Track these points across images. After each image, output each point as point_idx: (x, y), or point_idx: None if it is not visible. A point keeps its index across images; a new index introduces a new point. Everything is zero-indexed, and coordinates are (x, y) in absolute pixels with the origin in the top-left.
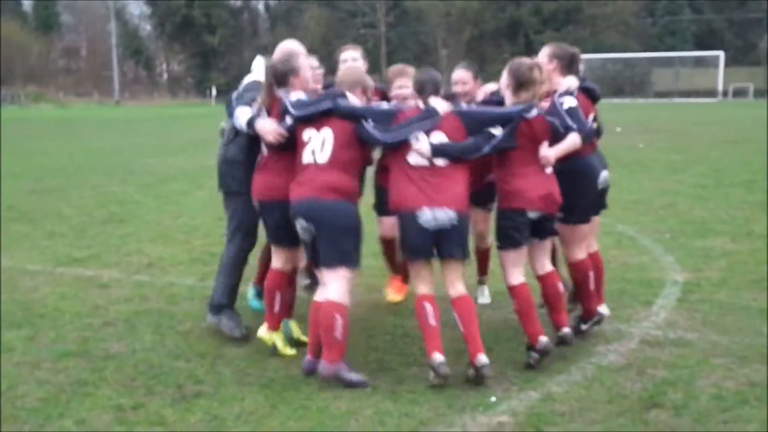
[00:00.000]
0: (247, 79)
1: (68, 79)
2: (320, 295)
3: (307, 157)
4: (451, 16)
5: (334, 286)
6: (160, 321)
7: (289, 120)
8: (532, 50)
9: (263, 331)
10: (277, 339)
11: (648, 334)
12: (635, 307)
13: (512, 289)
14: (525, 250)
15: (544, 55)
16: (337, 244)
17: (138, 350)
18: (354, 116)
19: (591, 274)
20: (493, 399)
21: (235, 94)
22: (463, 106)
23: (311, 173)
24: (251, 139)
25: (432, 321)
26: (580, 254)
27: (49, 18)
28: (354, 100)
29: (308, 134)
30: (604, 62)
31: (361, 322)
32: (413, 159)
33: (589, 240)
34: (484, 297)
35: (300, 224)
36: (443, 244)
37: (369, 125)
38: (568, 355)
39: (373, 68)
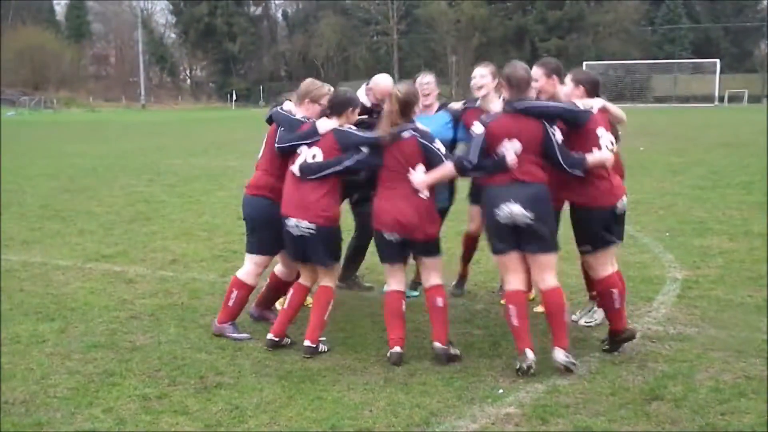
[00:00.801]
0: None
1: (98, 84)
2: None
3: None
4: (460, 23)
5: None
6: (184, 315)
7: None
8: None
9: None
10: None
11: (649, 329)
12: (636, 303)
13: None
14: (399, 266)
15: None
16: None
17: (162, 342)
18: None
19: (514, 310)
20: (501, 391)
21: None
22: (347, 127)
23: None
24: None
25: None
26: (512, 285)
27: (80, 27)
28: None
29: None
30: (606, 68)
31: (373, 317)
32: (295, 168)
33: (540, 275)
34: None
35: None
36: (306, 251)
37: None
38: (573, 351)
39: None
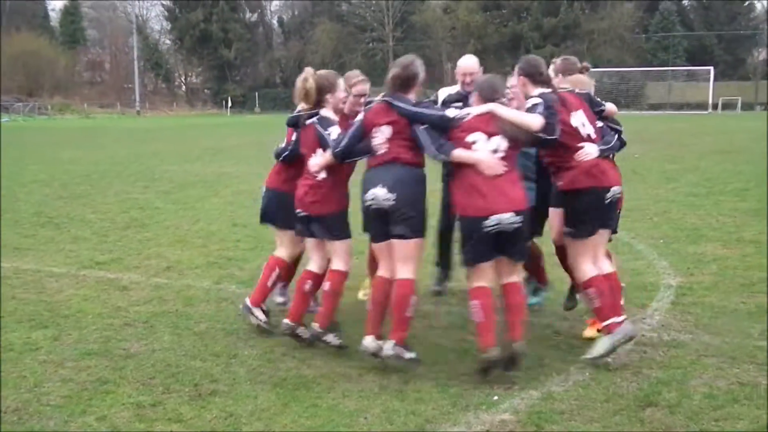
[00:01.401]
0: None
1: (92, 90)
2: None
3: None
4: (456, 30)
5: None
6: (178, 322)
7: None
8: None
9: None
10: None
11: (643, 335)
12: (631, 309)
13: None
14: (311, 241)
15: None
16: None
17: (156, 350)
18: None
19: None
20: (496, 398)
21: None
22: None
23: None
24: None
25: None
26: (382, 272)
27: (75, 33)
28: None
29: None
30: (601, 75)
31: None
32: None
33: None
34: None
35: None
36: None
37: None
38: (568, 357)
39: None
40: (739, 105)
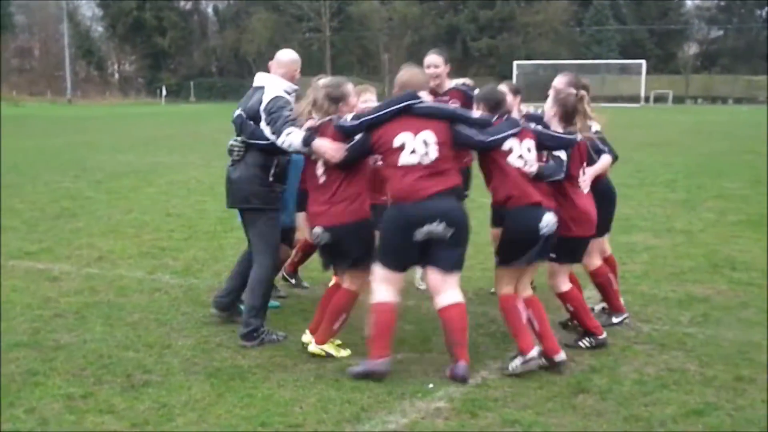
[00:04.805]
0: (269, 96)
1: (21, 78)
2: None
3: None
4: (393, 21)
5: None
6: (110, 312)
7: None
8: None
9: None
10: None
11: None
12: None
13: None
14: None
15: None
16: (461, 244)
17: (88, 341)
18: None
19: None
20: (431, 386)
21: (259, 113)
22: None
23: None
24: (267, 155)
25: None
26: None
27: (2, 18)
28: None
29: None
30: (536, 68)
31: (305, 314)
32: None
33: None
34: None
35: (432, 227)
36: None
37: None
38: (502, 345)
39: (318, 71)
40: (671, 98)
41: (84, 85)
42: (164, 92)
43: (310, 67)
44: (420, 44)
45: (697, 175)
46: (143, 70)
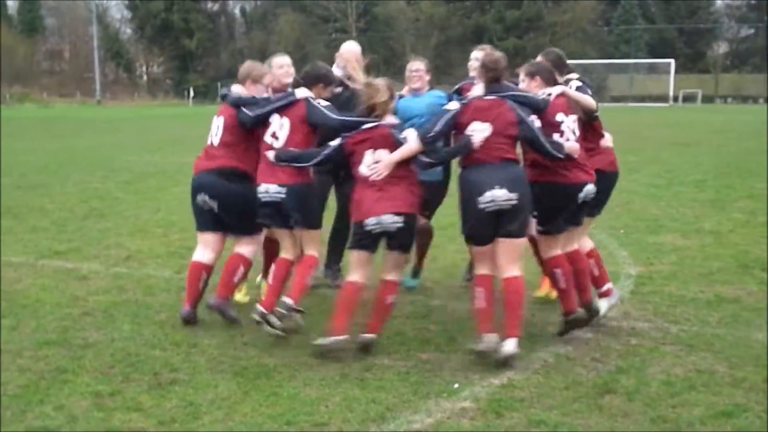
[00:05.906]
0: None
1: (52, 80)
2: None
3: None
4: (419, 21)
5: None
6: (138, 311)
7: None
8: None
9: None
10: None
11: (603, 324)
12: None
13: None
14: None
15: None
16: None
17: (116, 339)
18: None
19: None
20: (456, 386)
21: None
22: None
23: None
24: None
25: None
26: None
27: (33, 21)
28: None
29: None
30: None
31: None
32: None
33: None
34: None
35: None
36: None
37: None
38: (529, 345)
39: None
40: (700, 97)
41: (113, 86)
42: (191, 93)
43: None
44: (446, 44)
45: (726, 175)
46: (171, 72)
